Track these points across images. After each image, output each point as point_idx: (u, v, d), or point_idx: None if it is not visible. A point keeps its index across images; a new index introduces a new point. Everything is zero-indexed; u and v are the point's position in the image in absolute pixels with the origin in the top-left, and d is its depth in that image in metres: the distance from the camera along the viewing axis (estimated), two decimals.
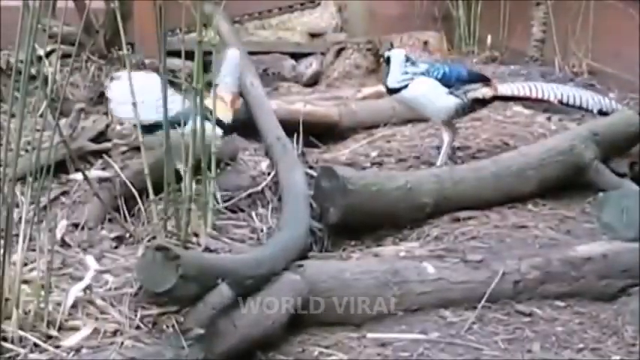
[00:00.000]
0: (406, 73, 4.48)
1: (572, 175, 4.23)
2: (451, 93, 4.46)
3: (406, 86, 4.47)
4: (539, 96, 4.55)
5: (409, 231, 3.97)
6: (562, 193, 4.21)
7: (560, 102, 4.57)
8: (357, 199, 3.87)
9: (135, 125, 3.70)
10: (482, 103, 4.58)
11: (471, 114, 4.74)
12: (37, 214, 2.98)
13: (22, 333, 2.75)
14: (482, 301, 3.39)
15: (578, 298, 3.49)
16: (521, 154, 4.26)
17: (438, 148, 4.69)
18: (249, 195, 4.02)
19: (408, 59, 4.51)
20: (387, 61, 4.54)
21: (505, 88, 4.60)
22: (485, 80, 4.60)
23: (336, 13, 7.18)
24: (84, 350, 2.74)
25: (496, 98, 4.61)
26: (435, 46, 6.36)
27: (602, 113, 4.56)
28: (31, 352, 2.72)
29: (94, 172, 3.98)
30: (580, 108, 4.61)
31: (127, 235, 3.59)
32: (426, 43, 6.35)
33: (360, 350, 3.17)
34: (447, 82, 4.47)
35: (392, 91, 4.55)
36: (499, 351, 3.16)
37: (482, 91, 4.52)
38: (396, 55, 4.53)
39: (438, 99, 4.46)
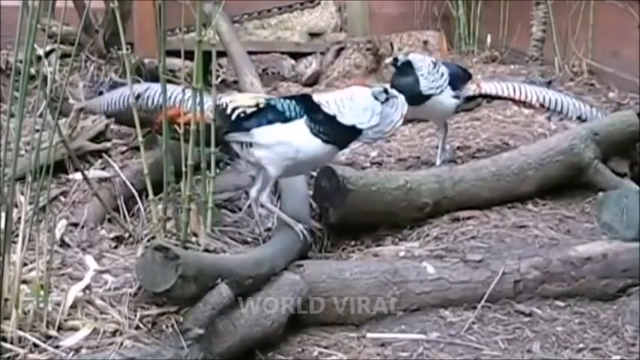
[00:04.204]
0: (442, 75, 4.40)
1: (572, 175, 4.23)
2: (456, 96, 4.47)
3: (442, 92, 4.41)
4: (522, 97, 4.59)
5: (409, 231, 3.97)
6: (562, 193, 4.21)
7: (542, 105, 4.60)
8: (356, 199, 3.87)
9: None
10: (468, 99, 4.60)
11: (469, 113, 4.74)
12: (37, 214, 2.98)
13: (21, 333, 2.75)
14: (482, 301, 3.39)
15: (578, 298, 3.49)
16: (521, 153, 4.25)
17: (438, 147, 4.70)
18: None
19: (435, 65, 4.44)
20: (403, 65, 4.41)
21: (490, 87, 4.61)
22: (470, 77, 4.63)
23: (336, 13, 7.19)
24: (83, 350, 2.74)
25: (480, 96, 4.62)
26: (435, 46, 6.36)
27: (580, 119, 4.59)
28: (31, 352, 2.71)
29: (94, 172, 3.98)
30: (560, 112, 4.64)
31: (127, 235, 3.59)
32: (425, 42, 6.34)
33: (360, 350, 3.17)
34: (452, 83, 4.47)
35: (421, 99, 4.38)
36: (499, 351, 3.16)
37: (472, 89, 4.55)
38: (422, 61, 4.44)
39: (448, 102, 4.48)
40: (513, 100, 4.72)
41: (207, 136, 3.51)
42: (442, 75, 4.43)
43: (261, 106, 3.63)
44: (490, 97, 4.81)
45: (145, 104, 3.84)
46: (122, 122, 4.27)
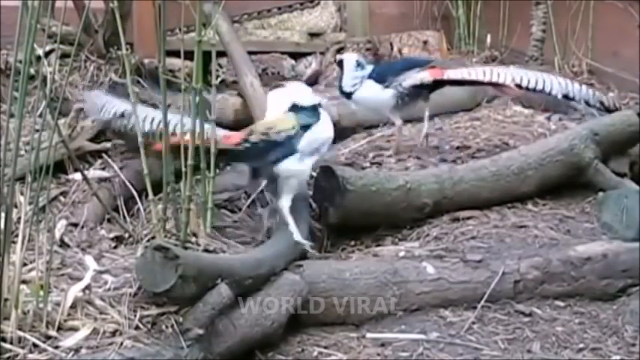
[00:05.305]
0: (355, 77, 4.59)
1: (572, 174, 4.23)
2: (387, 87, 4.54)
3: (355, 90, 4.61)
4: (494, 79, 4.45)
5: (409, 231, 3.97)
6: (562, 193, 4.21)
7: (519, 86, 4.42)
8: (356, 199, 3.87)
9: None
10: (428, 88, 4.56)
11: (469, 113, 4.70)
12: (37, 214, 2.98)
13: (21, 333, 2.75)
14: (482, 301, 3.39)
15: (578, 298, 3.50)
16: (521, 153, 4.25)
17: (437, 147, 4.70)
18: (249, 195, 4.01)
19: (358, 64, 4.62)
20: (340, 64, 4.68)
21: (454, 73, 4.57)
22: (428, 65, 4.63)
23: (336, 13, 7.18)
24: (83, 350, 2.74)
25: (441, 82, 4.56)
26: (435, 46, 6.36)
27: (566, 98, 4.47)
28: (30, 352, 2.72)
29: (93, 172, 3.98)
30: (542, 92, 4.46)
31: (126, 235, 3.59)
32: (425, 42, 6.34)
33: (360, 350, 3.17)
34: (378, 78, 4.57)
35: (346, 95, 4.66)
36: (499, 351, 3.16)
37: (419, 77, 4.53)
38: (348, 60, 4.66)
39: (377, 96, 4.56)
40: (483, 84, 4.61)
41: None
42: (363, 76, 4.59)
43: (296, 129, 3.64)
44: (456, 83, 4.72)
45: (124, 127, 3.77)
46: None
